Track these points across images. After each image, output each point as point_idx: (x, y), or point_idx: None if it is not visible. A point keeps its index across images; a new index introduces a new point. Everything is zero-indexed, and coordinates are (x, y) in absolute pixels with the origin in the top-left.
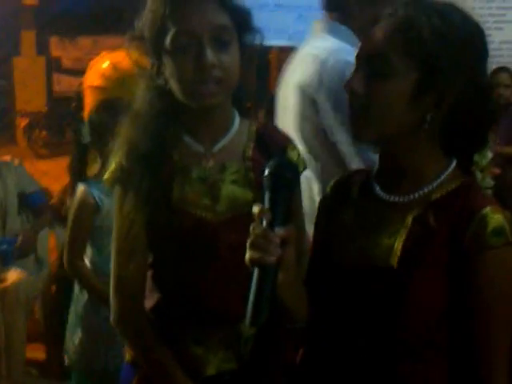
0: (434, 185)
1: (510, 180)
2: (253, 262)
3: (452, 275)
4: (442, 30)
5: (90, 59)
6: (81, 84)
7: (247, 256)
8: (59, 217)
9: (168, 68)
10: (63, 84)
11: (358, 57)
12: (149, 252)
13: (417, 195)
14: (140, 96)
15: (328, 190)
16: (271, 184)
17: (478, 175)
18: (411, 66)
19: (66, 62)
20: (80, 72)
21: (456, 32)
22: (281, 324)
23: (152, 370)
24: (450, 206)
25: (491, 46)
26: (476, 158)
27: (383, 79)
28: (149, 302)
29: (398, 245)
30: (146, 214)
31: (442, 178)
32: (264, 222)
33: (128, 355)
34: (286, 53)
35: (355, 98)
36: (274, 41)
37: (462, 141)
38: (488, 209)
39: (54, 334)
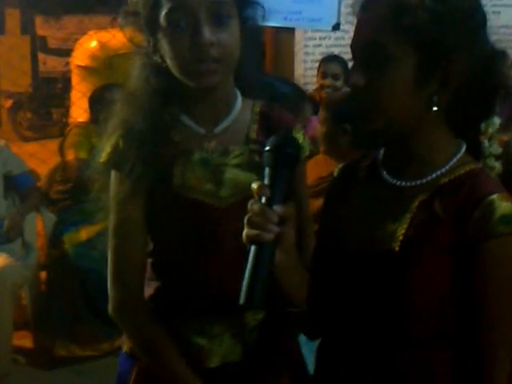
0: (443, 170)
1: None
2: (249, 239)
3: (456, 262)
4: (436, 8)
5: (76, 39)
6: (67, 64)
7: (244, 233)
8: (47, 200)
9: (163, 46)
10: (49, 64)
11: (352, 47)
12: (148, 239)
13: (424, 180)
14: (135, 74)
15: (336, 174)
16: (271, 160)
17: (486, 143)
18: (409, 50)
19: (52, 42)
20: (66, 52)
21: (451, 7)
22: (284, 311)
23: (152, 361)
24: (457, 191)
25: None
26: (483, 126)
27: (382, 68)
28: (148, 291)
29: (402, 229)
30: (144, 200)
31: (451, 163)
32: (263, 199)
33: (126, 346)
34: (281, 34)
35: (357, 92)
36: (268, 22)
37: (470, 114)
38: (495, 196)
39: (41, 322)
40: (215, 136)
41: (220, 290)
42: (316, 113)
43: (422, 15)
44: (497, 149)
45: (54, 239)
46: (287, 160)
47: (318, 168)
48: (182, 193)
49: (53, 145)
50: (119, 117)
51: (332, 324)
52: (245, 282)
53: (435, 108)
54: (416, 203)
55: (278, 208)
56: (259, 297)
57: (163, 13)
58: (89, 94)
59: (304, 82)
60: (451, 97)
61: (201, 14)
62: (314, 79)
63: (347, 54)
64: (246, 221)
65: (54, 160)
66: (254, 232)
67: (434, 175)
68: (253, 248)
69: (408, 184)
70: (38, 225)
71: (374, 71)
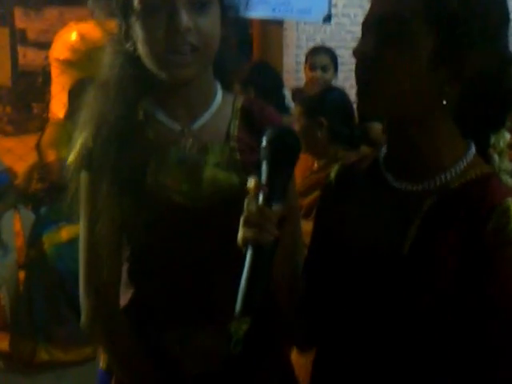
0: (453, 173)
1: None
2: (247, 241)
3: (467, 268)
4: None
5: (57, 31)
6: (47, 57)
7: (240, 235)
8: (25, 198)
9: (136, 31)
10: (29, 57)
11: (366, 22)
12: (123, 244)
13: (433, 184)
14: (107, 63)
15: (332, 177)
16: (269, 155)
17: (496, 158)
18: (430, 28)
19: (32, 34)
20: (46, 45)
21: None
22: (275, 319)
23: (129, 378)
24: (470, 196)
25: None
26: (493, 139)
27: (398, 43)
28: (123, 299)
29: (412, 233)
30: (117, 202)
31: (461, 165)
32: (260, 198)
33: (103, 361)
34: (270, 26)
35: (365, 63)
36: (256, 13)
37: (480, 119)
38: (510, 201)
39: (21, 324)
40: (193, 133)
41: (201, 297)
42: None
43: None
44: (508, 164)
45: (33, 239)
46: (286, 154)
47: (298, 167)
48: (157, 193)
49: (31, 140)
50: (89, 112)
51: (333, 332)
52: (241, 289)
53: (445, 102)
54: (425, 207)
55: (277, 207)
56: (257, 304)
57: None
58: (67, 88)
59: (296, 76)
60: (464, 94)
61: None
62: None
63: (344, 49)
64: (242, 221)
65: (32, 156)
66: (252, 233)
67: (442, 177)
68: (250, 251)
69: (415, 187)
70: (16, 224)
71: (388, 43)
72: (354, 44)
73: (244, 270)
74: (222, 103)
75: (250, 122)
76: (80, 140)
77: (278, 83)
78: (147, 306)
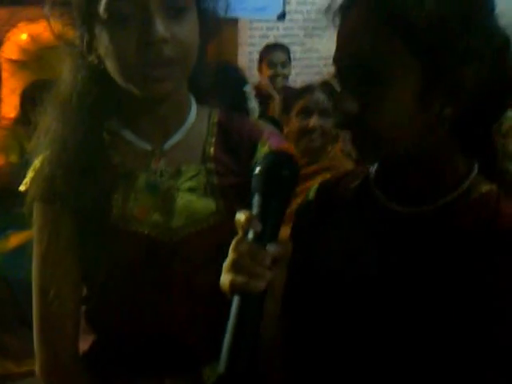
0: (455, 194)
1: None
2: (234, 288)
3: (474, 300)
4: (439, 11)
5: (7, 31)
6: None
7: (226, 280)
8: None
9: (102, 43)
10: None
11: (336, 62)
12: (82, 283)
13: (432, 206)
14: (66, 78)
15: (310, 196)
16: (263, 185)
17: (501, 140)
18: (411, 62)
19: None
20: None
21: (455, 7)
22: (256, 365)
23: None
24: (477, 218)
25: None
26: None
27: (379, 89)
28: (83, 345)
29: (414, 265)
30: (76, 236)
31: (467, 183)
32: (250, 235)
33: None
34: (223, 24)
35: (350, 121)
36: None
37: (482, 118)
38: None
39: None
40: (164, 153)
41: (172, 342)
42: (264, 112)
43: (421, 19)
44: None
45: None
46: (282, 185)
47: None
48: (123, 226)
49: None
50: (47, 133)
51: (326, 373)
52: (226, 344)
53: (446, 125)
54: (428, 233)
55: (271, 247)
56: (245, 363)
57: (103, 1)
58: (18, 90)
59: (249, 74)
60: (465, 107)
61: (152, 3)
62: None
63: (296, 45)
64: (229, 265)
65: None
66: (242, 280)
67: (443, 200)
68: (237, 299)
69: (415, 210)
70: None
71: (369, 94)
72: (306, 40)
73: (229, 321)
74: (196, 118)
75: (228, 138)
76: (34, 165)
77: (239, 82)
78: (111, 353)
